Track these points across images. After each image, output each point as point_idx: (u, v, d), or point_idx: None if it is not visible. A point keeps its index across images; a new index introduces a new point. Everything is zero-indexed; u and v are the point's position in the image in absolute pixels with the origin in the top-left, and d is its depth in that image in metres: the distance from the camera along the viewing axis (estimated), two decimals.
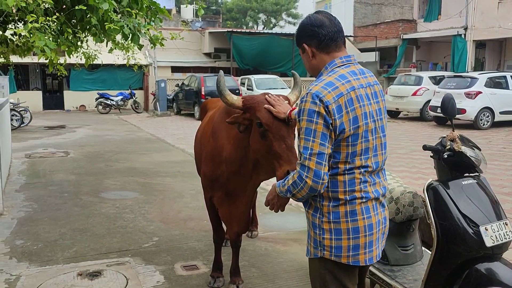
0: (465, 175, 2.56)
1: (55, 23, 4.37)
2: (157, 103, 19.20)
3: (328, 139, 1.84)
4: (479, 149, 2.60)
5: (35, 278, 3.61)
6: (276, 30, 38.30)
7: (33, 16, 3.95)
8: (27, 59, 7.32)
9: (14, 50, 6.52)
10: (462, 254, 2.38)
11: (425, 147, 2.60)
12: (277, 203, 2.12)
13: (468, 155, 2.47)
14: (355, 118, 1.87)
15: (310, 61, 2.04)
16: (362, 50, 25.70)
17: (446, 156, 2.50)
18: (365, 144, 1.91)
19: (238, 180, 3.01)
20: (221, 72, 2.85)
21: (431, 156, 2.66)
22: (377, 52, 24.59)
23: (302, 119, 1.86)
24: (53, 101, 21.93)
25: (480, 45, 20.78)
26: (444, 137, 2.56)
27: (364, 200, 1.93)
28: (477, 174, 2.58)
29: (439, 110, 13.50)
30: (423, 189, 2.53)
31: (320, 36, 1.96)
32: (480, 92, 13.11)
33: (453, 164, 2.54)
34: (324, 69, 1.99)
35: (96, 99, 20.31)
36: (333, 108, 1.83)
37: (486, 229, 2.33)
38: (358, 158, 1.90)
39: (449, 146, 2.49)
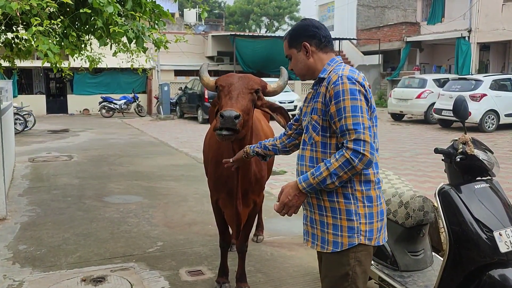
0: (477, 178, 2.51)
1: (60, 26, 4.34)
2: (160, 106, 19.19)
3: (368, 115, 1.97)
4: (492, 152, 2.55)
5: (38, 284, 3.57)
6: (279, 33, 38.35)
7: (37, 19, 3.92)
8: (31, 63, 7.31)
9: (18, 53, 6.50)
10: (475, 260, 2.32)
11: (437, 150, 2.54)
12: (295, 204, 2.04)
13: (480, 158, 2.42)
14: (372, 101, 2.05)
15: (306, 60, 2.13)
16: (365, 53, 25.66)
17: (458, 159, 2.44)
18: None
19: (235, 179, 3.01)
20: (206, 63, 3.17)
21: (442, 160, 2.60)
22: (380, 55, 24.55)
23: (344, 99, 1.92)
24: (56, 105, 21.97)
25: (484, 47, 20.71)
26: (456, 140, 2.51)
27: (380, 183, 2.09)
28: (490, 177, 2.52)
29: (443, 112, 13.47)
30: (435, 193, 2.48)
31: (321, 37, 2.11)
32: (485, 95, 13.04)
33: (465, 168, 2.49)
34: (327, 65, 2.11)
35: (100, 103, 20.32)
36: (367, 88, 1.99)
37: (500, 234, 2.27)
38: (377, 140, 2.04)
39: (461, 149, 2.44)
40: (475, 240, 2.29)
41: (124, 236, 4.68)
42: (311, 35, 2.10)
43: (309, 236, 2.15)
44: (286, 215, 2.08)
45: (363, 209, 1.99)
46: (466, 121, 2.62)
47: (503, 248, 2.25)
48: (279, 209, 2.07)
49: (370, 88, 2.05)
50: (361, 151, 1.88)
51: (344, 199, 2.00)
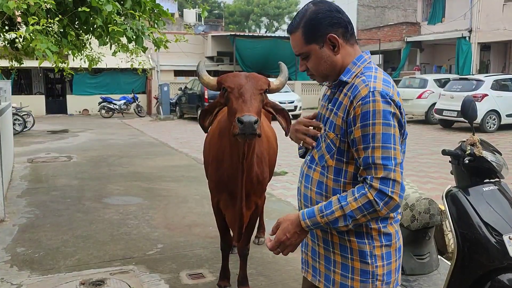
0: (485, 181, 2.45)
1: (58, 25, 4.28)
2: (160, 107, 19.15)
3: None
4: (500, 154, 2.49)
5: (36, 287, 3.51)
6: (279, 33, 38.33)
7: (34, 18, 3.86)
8: (30, 63, 7.25)
9: (20, 52, 6.45)
10: (484, 264, 2.26)
11: (445, 152, 2.48)
12: (293, 243, 1.62)
13: (489, 159, 2.36)
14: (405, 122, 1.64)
15: (332, 57, 1.63)
16: None
17: (466, 161, 2.38)
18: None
19: (236, 180, 2.96)
20: (202, 60, 3.12)
21: (449, 161, 2.54)
22: (380, 55, 24.44)
23: (375, 123, 1.49)
24: (56, 105, 21.93)
25: (484, 47, 20.65)
26: (464, 141, 2.45)
27: (398, 215, 1.72)
28: (498, 180, 2.46)
29: (444, 113, 13.41)
30: (442, 196, 2.42)
31: (346, 24, 1.63)
32: (486, 95, 12.98)
33: (473, 170, 2.43)
34: (352, 64, 1.63)
35: (99, 103, 20.29)
36: (402, 109, 1.57)
37: (510, 238, 2.21)
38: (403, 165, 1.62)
39: (469, 151, 2.38)
40: (484, 244, 2.23)
41: (124, 238, 4.62)
42: (335, 23, 1.60)
43: (309, 267, 1.80)
44: (281, 254, 1.65)
45: (379, 250, 1.61)
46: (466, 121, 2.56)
47: None
48: (273, 247, 1.64)
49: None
50: (389, 193, 1.49)
51: (357, 238, 1.61)
